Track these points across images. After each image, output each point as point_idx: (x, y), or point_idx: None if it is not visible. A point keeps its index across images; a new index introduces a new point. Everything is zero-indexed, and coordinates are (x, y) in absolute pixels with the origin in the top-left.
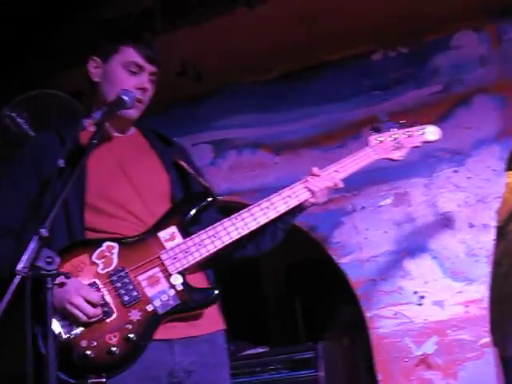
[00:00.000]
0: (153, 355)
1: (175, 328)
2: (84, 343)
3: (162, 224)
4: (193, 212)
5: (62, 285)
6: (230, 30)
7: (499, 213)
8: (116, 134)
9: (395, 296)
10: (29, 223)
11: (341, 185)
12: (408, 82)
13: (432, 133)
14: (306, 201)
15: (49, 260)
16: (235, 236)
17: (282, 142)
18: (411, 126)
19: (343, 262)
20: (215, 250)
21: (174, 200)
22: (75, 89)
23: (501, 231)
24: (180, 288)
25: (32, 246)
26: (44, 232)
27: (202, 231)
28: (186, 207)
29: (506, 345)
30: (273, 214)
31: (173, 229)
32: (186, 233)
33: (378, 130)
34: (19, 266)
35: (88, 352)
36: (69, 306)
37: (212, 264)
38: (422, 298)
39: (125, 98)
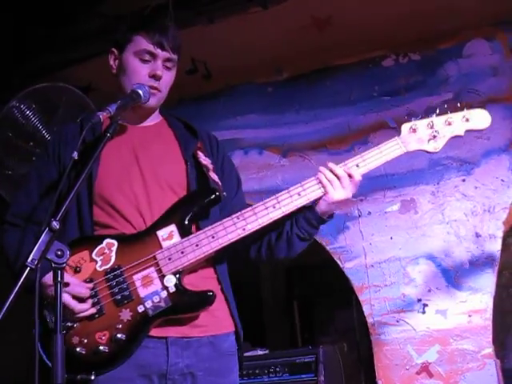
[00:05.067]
0: (146, 354)
1: (173, 327)
2: (75, 340)
3: (161, 222)
4: (193, 211)
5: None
6: (242, 29)
7: (505, 224)
8: (136, 125)
9: (398, 303)
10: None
11: (358, 178)
12: (418, 89)
13: (478, 119)
14: (320, 199)
15: (59, 253)
16: (234, 237)
17: (289, 144)
18: (453, 112)
19: (347, 266)
20: (212, 251)
21: (190, 191)
22: (85, 82)
23: (503, 242)
24: (172, 290)
25: (43, 238)
26: (55, 225)
27: (201, 231)
28: (187, 205)
29: (506, 356)
30: (278, 215)
31: (171, 227)
32: (185, 232)
33: (414, 116)
34: (29, 259)
35: (78, 349)
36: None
37: (224, 259)
38: (426, 306)
39: (139, 91)
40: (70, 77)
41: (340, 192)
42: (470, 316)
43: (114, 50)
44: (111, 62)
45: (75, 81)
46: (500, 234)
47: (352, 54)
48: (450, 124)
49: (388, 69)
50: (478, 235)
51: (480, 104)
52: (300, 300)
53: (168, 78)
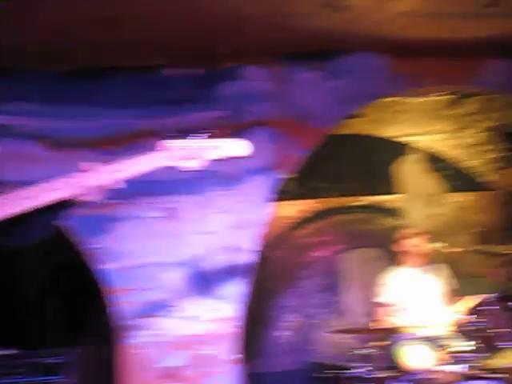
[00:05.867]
0: None
1: None
2: None
3: None
4: None
5: None
6: (34, 10)
7: (262, 238)
8: None
9: (149, 307)
10: None
11: (120, 185)
12: (197, 102)
13: (240, 148)
14: (71, 199)
15: None
16: None
17: (61, 138)
18: (218, 138)
19: (103, 268)
20: None
21: None
22: None
23: (260, 255)
24: None
25: None
26: None
27: None
28: None
29: (253, 362)
30: (28, 206)
31: None
32: None
33: (175, 136)
34: None
35: None
36: None
37: None
38: (176, 311)
39: None
40: None
41: (94, 197)
42: (219, 323)
43: None
44: None
45: None
46: (256, 247)
47: (138, 58)
48: (214, 148)
49: (171, 78)
50: (235, 247)
51: (248, 125)
52: (57, 299)
53: None
